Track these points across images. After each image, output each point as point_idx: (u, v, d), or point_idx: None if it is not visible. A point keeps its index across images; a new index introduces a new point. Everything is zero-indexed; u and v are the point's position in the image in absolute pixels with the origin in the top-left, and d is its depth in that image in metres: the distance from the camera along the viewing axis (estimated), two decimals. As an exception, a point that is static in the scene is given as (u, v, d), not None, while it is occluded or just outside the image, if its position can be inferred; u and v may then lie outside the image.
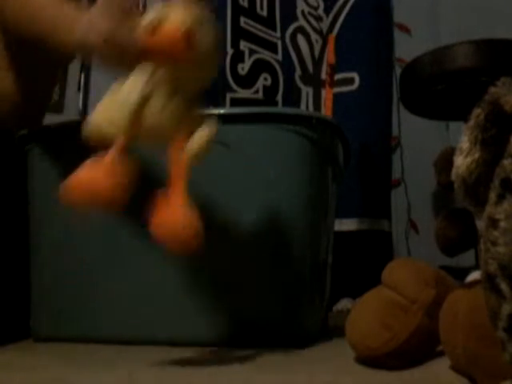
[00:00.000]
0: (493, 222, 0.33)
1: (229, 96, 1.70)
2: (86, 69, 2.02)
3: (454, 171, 0.38)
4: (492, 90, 0.35)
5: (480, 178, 0.37)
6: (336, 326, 0.94)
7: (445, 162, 1.48)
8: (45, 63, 1.01)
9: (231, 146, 0.82)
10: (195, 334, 0.80)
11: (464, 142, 0.37)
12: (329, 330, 0.92)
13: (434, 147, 1.74)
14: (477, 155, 0.37)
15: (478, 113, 0.36)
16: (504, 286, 0.32)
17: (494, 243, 0.33)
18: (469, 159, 0.37)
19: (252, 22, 1.77)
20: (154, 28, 0.62)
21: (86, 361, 0.72)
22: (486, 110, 0.36)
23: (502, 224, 0.32)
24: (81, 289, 0.85)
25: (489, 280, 0.33)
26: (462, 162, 0.37)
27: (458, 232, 1.45)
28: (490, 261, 0.33)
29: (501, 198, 0.32)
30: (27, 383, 0.61)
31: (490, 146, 0.36)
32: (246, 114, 0.86)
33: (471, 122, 0.37)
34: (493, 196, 0.33)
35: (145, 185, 0.85)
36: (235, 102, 1.69)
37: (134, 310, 0.82)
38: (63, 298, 0.86)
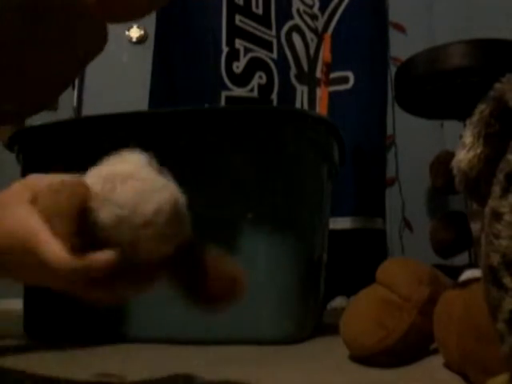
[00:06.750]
0: (496, 216, 0.33)
1: (224, 94, 1.69)
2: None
3: (455, 165, 0.39)
4: (497, 86, 0.36)
5: (481, 173, 0.37)
6: (330, 323, 0.94)
7: (440, 165, 1.48)
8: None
9: (226, 145, 0.82)
10: (192, 332, 0.80)
11: (467, 137, 0.37)
12: (323, 328, 0.92)
13: (429, 146, 1.74)
14: (479, 150, 0.37)
15: (482, 108, 0.36)
16: (506, 279, 0.32)
17: (497, 236, 0.33)
18: (471, 154, 0.37)
19: (247, 21, 1.76)
20: None
21: (80, 358, 0.72)
22: (490, 105, 0.36)
23: (507, 217, 0.32)
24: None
25: (491, 273, 0.33)
26: (464, 157, 0.38)
27: (452, 235, 1.46)
28: (492, 254, 0.33)
29: (505, 191, 0.33)
30: (20, 381, 0.60)
31: (493, 141, 0.36)
32: (240, 112, 0.85)
33: (475, 117, 0.37)
34: (497, 190, 0.33)
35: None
36: (230, 101, 1.68)
37: (130, 309, 0.82)
38: (57, 296, 0.86)
